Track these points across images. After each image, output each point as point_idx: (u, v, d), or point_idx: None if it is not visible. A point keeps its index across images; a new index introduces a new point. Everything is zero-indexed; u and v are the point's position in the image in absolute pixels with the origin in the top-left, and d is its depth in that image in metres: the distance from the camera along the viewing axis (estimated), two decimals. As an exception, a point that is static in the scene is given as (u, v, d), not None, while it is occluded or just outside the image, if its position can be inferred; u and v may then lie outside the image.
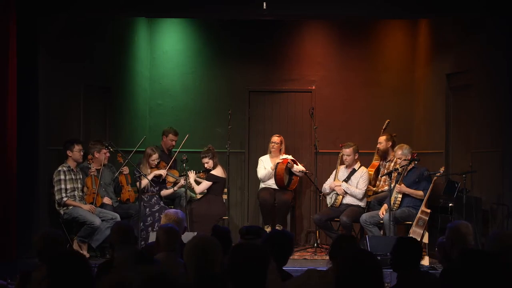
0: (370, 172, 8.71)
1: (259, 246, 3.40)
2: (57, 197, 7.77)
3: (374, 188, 8.71)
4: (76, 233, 7.83)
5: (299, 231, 9.80)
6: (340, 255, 3.89)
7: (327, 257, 4.37)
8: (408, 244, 4.07)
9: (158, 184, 8.50)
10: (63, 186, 7.78)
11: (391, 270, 4.22)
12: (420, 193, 7.94)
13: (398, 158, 8.09)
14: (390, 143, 8.70)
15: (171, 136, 9.06)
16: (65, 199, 7.75)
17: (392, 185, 7.83)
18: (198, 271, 3.72)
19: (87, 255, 7.44)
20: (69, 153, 7.88)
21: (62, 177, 7.80)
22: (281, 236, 4.48)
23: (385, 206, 7.90)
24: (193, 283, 3.72)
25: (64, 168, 7.84)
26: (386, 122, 8.96)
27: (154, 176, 8.42)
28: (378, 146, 8.74)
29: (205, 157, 8.64)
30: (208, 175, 8.63)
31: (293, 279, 3.97)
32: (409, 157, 8.03)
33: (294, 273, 4.31)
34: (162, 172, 8.39)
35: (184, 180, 8.35)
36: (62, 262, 3.36)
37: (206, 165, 8.63)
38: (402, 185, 7.99)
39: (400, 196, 7.98)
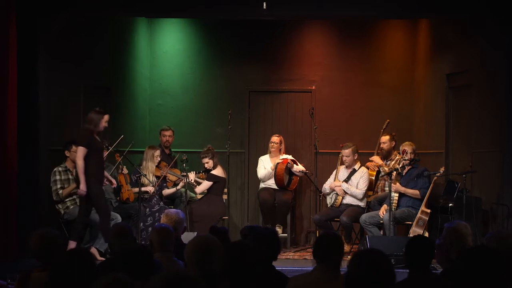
0: (371, 174, 8.70)
1: (250, 245, 3.41)
2: (54, 198, 7.78)
3: (373, 195, 8.68)
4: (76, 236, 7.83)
5: (299, 231, 9.80)
6: (325, 254, 3.91)
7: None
8: (421, 243, 4.04)
9: (157, 183, 8.50)
10: (59, 186, 7.78)
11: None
12: (416, 192, 7.94)
13: (409, 153, 8.04)
14: (393, 143, 8.70)
15: (163, 132, 9.20)
16: (60, 192, 7.75)
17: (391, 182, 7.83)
18: (200, 270, 3.72)
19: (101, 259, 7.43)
20: (67, 153, 7.89)
21: (58, 177, 7.81)
22: (267, 234, 4.45)
23: (384, 206, 7.91)
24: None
25: (60, 169, 7.85)
26: (386, 122, 8.95)
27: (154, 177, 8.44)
28: (382, 146, 8.73)
29: (205, 157, 8.65)
30: (208, 175, 8.63)
31: None
32: (415, 155, 8.07)
33: (294, 273, 4.31)
34: (149, 189, 8.34)
35: (184, 181, 8.35)
36: (66, 261, 3.36)
37: (206, 165, 8.63)
38: (398, 184, 7.99)
39: (397, 195, 7.99)
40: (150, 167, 8.44)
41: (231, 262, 3.26)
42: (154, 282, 2.57)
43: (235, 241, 3.77)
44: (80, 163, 7.33)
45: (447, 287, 3.68)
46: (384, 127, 8.93)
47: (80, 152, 7.35)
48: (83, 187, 7.35)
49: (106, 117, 7.55)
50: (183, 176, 8.51)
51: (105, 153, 8.16)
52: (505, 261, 3.04)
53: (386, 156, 8.72)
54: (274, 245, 4.40)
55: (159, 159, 8.55)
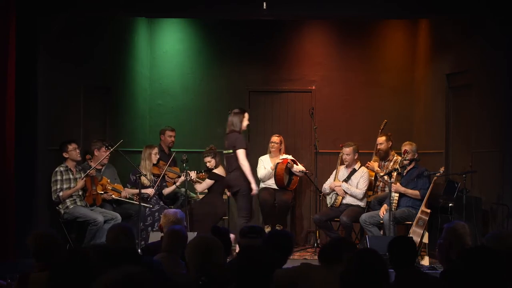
0: (371, 174, 8.70)
1: (266, 249, 3.39)
2: (53, 197, 7.79)
3: (373, 195, 8.67)
4: (77, 236, 7.83)
5: (299, 231, 9.80)
6: (334, 258, 3.90)
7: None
8: (402, 243, 4.08)
9: (156, 183, 8.50)
10: (58, 186, 7.78)
11: (391, 270, 4.20)
12: (416, 192, 7.94)
13: (406, 153, 8.04)
14: (390, 143, 8.71)
15: (168, 132, 9.17)
16: (60, 193, 7.76)
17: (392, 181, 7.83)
18: (200, 271, 3.72)
19: None
20: (65, 154, 7.89)
21: (59, 177, 7.81)
22: (281, 236, 4.48)
23: (385, 206, 7.91)
24: (194, 283, 3.72)
25: (61, 169, 7.85)
26: (384, 122, 8.95)
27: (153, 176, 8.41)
28: (378, 147, 8.72)
29: (207, 156, 8.64)
30: (210, 174, 8.61)
31: (286, 269, 3.95)
32: (415, 155, 8.08)
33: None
34: (149, 191, 8.33)
35: (185, 175, 8.33)
36: (66, 261, 3.35)
37: (208, 164, 8.62)
38: (398, 184, 7.99)
39: (397, 195, 7.99)
40: (148, 166, 8.43)
41: (244, 267, 3.21)
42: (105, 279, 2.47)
43: (251, 245, 3.74)
44: (246, 164, 7.77)
45: (442, 286, 3.69)
46: (382, 127, 8.93)
47: (242, 155, 7.77)
48: (254, 187, 7.79)
49: (246, 115, 7.93)
50: (182, 173, 8.50)
51: (107, 153, 8.16)
52: (505, 261, 3.04)
53: (384, 157, 8.71)
54: (288, 249, 4.42)
55: (157, 157, 8.55)
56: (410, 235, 7.55)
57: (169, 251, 4.64)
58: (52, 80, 7.95)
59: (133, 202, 8.23)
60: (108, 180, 8.22)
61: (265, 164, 9.16)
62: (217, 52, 10.04)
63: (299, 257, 8.33)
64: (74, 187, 7.87)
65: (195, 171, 8.58)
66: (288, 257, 4.48)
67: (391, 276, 3.93)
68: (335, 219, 8.51)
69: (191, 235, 5.44)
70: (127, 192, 8.29)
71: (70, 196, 7.85)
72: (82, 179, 7.90)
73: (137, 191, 8.07)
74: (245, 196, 7.81)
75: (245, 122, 7.91)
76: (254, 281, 3.10)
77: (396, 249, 4.01)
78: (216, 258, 3.78)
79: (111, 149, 8.06)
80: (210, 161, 8.63)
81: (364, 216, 8.09)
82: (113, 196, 8.20)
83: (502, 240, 4.08)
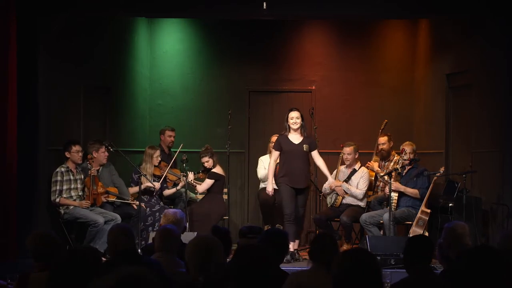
0: (371, 174, 8.70)
1: (264, 248, 3.39)
2: (51, 198, 7.78)
3: (373, 195, 8.67)
4: (77, 236, 7.82)
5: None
6: (320, 255, 3.95)
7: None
8: (420, 242, 4.07)
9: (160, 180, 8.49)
10: (58, 187, 7.76)
11: (391, 270, 4.22)
12: (416, 191, 7.95)
13: (408, 153, 8.05)
14: (391, 143, 8.71)
15: (168, 132, 9.15)
16: (57, 199, 7.74)
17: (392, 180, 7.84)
18: (200, 271, 3.72)
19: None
20: (67, 154, 7.88)
21: (59, 178, 7.79)
22: (277, 235, 4.48)
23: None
24: (193, 283, 3.72)
25: (62, 169, 7.83)
26: (384, 122, 8.95)
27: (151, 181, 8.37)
28: (381, 147, 8.72)
29: (205, 156, 8.63)
30: (209, 174, 8.61)
31: None
32: (415, 156, 8.09)
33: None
34: (156, 185, 8.35)
35: (185, 178, 8.33)
36: (66, 260, 3.34)
37: (206, 164, 8.62)
38: (397, 182, 8.00)
39: (396, 195, 7.99)
40: (149, 170, 8.41)
41: (243, 266, 3.21)
42: (106, 280, 2.47)
43: (249, 244, 3.74)
44: (269, 165, 8.04)
45: (446, 287, 3.69)
46: (382, 127, 8.93)
47: (271, 155, 8.05)
48: (268, 188, 8.00)
49: (290, 114, 7.97)
50: (183, 175, 8.49)
51: (106, 154, 8.16)
52: (505, 261, 3.04)
53: (386, 156, 8.71)
54: (284, 248, 4.43)
55: (159, 159, 8.54)
56: (410, 235, 7.56)
57: (164, 250, 4.63)
58: (52, 80, 7.94)
59: (130, 202, 8.21)
60: (101, 184, 8.18)
61: (265, 164, 9.14)
62: (217, 52, 10.04)
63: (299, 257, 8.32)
64: (74, 188, 7.86)
65: (193, 172, 8.56)
66: (284, 255, 4.49)
67: (403, 275, 3.95)
68: (335, 219, 8.52)
69: (191, 235, 5.45)
70: (132, 191, 8.31)
71: (70, 196, 7.84)
72: (85, 202, 7.85)
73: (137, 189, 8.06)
74: (281, 197, 7.95)
75: (290, 121, 7.92)
76: (253, 280, 3.10)
77: (414, 248, 4.00)
78: (216, 258, 3.78)
79: (110, 149, 8.04)
80: (207, 161, 8.63)
81: (364, 216, 8.09)
82: (109, 199, 8.18)
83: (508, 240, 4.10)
